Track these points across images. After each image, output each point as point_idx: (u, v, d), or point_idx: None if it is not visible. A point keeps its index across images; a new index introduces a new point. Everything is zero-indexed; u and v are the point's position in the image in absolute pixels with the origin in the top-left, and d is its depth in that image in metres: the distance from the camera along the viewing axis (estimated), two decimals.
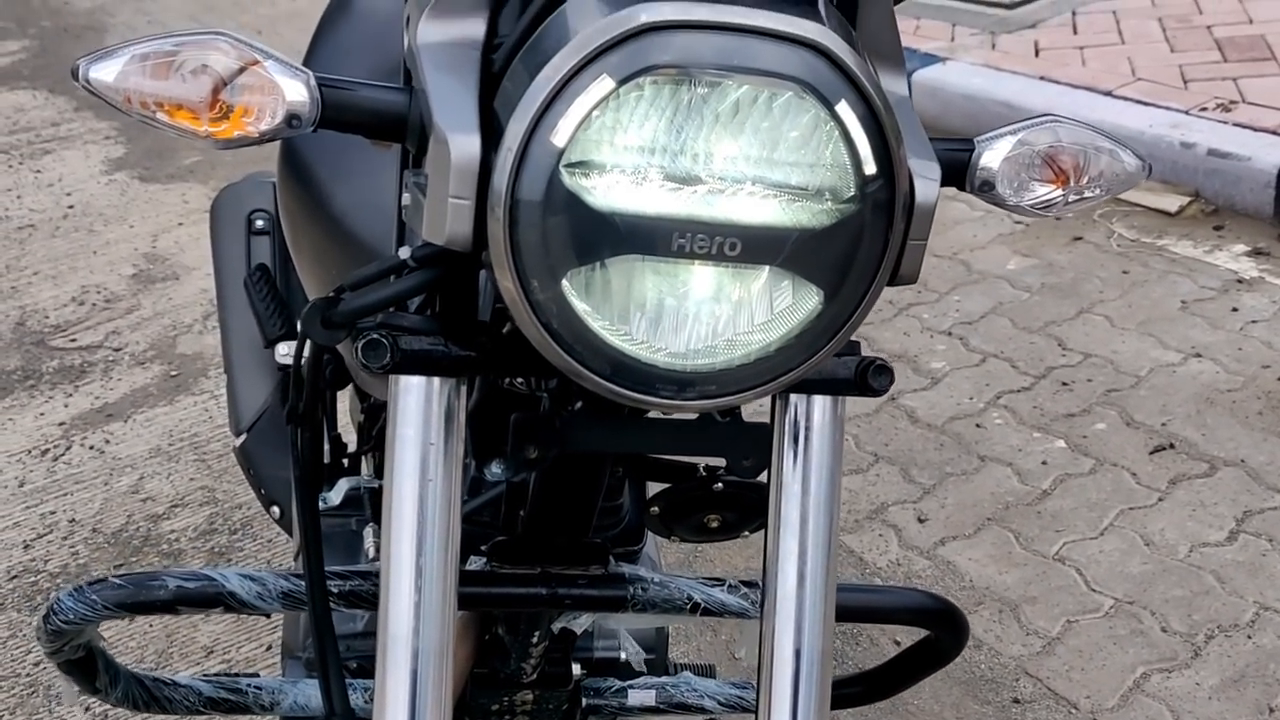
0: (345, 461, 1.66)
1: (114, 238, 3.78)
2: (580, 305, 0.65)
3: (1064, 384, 2.68)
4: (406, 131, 0.70)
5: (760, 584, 0.85)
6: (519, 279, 0.65)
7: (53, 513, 2.48)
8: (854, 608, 1.08)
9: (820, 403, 0.80)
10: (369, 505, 1.38)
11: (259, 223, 1.83)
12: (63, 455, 2.69)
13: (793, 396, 0.80)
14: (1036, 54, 4.23)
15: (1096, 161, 0.81)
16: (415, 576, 0.75)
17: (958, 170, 0.79)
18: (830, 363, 0.78)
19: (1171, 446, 2.45)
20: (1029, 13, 4.60)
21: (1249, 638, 1.99)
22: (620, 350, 0.67)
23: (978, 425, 2.57)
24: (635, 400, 0.68)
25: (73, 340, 3.20)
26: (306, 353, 0.86)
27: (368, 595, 0.96)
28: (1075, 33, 4.36)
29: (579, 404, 0.83)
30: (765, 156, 0.65)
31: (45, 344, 3.17)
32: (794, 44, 0.63)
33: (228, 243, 1.85)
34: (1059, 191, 0.81)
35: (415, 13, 0.70)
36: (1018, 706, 1.91)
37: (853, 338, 0.81)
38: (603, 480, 0.96)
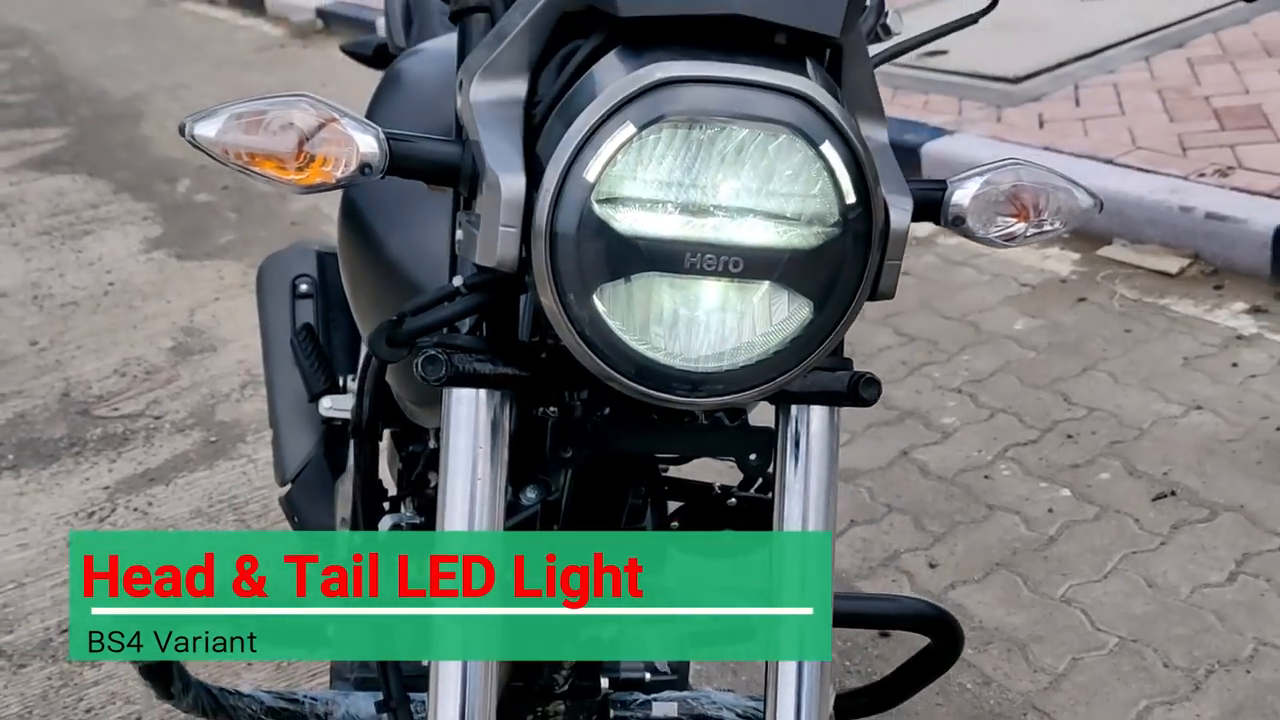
0: (386, 505, 1.78)
1: (153, 312, 3.94)
2: (609, 317, 0.78)
3: (1069, 436, 2.78)
4: (460, 178, 0.83)
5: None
6: (558, 295, 0.77)
7: None
8: (853, 614, 1.18)
9: (818, 413, 0.92)
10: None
11: (303, 287, 1.96)
12: (108, 517, 2.81)
13: (793, 407, 0.92)
14: (1041, 125, 4.38)
15: (1054, 198, 0.94)
16: None
17: (932, 206, 0.92)
18: (826, 377, 0.91)
19: (1173, 494, 2.54)
20: (1033, 86, 4.77)
21: (1248, 672, 2.07)
22: (643, 355, 0.79)
23: (986, 476, 2.66)
24: (656, 399, 0.80)
25: (115, 409, 3.33)
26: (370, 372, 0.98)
27: None
28: (1078, 105, 4.52)
29: (607, 410, 0.94)
30: (763, 189, 0.78)
31: (89, 413, 3.31)
32: (786, 95, 0.77)
33: (274, 305, 1.99)
34: (1021, 225, 0.94)
35: (467, 78, 0.84)
36: None
37: (846, 355, 0.94)
38: (626, 497, 1.08)
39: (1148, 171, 3.90)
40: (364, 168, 0.81)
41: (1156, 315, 3.33)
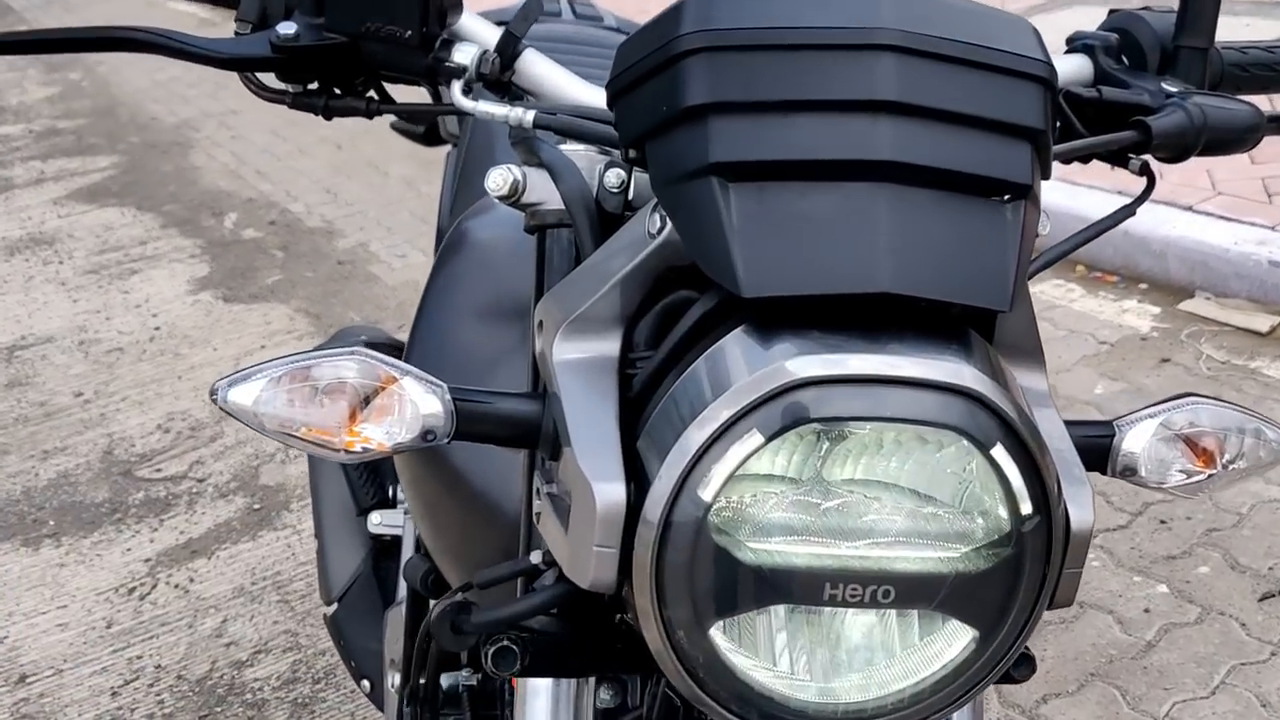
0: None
1: (199, 361, 3.85)
2: (728, 652, 0.63)
3: (1162, 522, 2.60)
4: (540, 440, 0.69)
5: None
6: (664, 631, 0.63)
7: (139, 657, 2.49)
8: None
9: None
10: (467, 703, 1.35)
11: None
12: (148, 595, 2.70)
13: None
14: (1113, 168, 4.18)
15: (1239, 443, 0.78)
16: None
17: (1099, 456, 0.77)
18: None
19: None
20: None
21: None
22: (771, 698, 0.64)
23: None
24: None
25: (158, 470, 3.24)
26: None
27: None
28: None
29: None
30: (919, 505, 0.63)
31: (132, 474, 3.22)
32: (948, 392, 0.62)
33: None
34: (1205, 473, 0.79)
35: (548, 320, 0.70)
36: None
37: None
38: None
39: (1231, 220, 3.70)
40: (426, 434, 0.67)
41: (1247, 379, 3.14)
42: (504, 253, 1.08)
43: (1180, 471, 0.78)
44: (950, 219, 0.62)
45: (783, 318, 0.63)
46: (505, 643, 0.70)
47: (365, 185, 5.34)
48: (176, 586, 2.73)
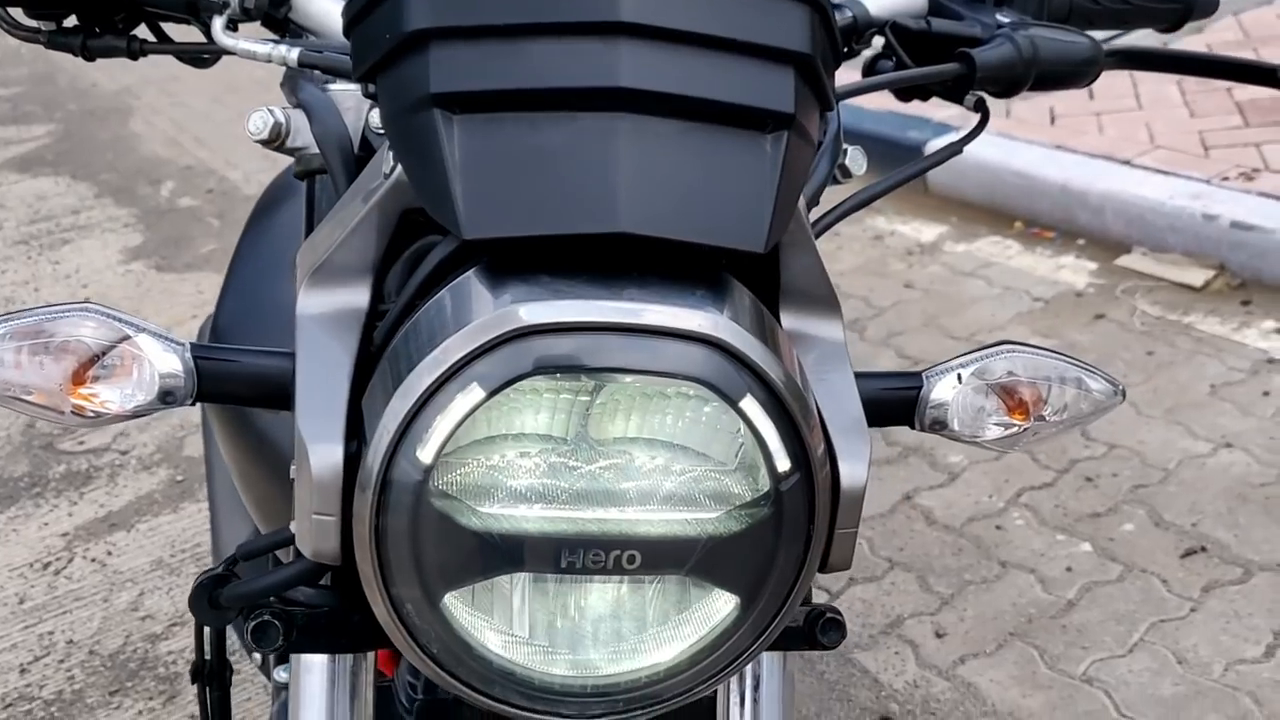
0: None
1: None
2: (466, 622, 0.59)
3: (1088, 479, 2.59)
4: (292, 401, 0.64)
5: None
6: (390, 603, 0.58)
7: (51, 633, 2.43)
8: None
9: (767, 660, 0.72)
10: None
11: None
12: (64, 569, 2.64)
13: None
14: (1052, 121, 4.16)
15: (1060, 393, 0.74)
16: None
17: (904, 409, 0.72)
18: None
19: (1203, 549, 2.34)
20: None
21: None
22: (513, 671, 0.60)
23: (998, 526, 2.47)
24: None
25: (80, 443, 3.17)
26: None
27: None
28: (1092, 98, 4.29)
29: None
30: (660, 462, 0.58)
31: (53, 447, 3.15)
32: (692, 341, 0.57)
33: None
34: (1020, 426, 0.74)
35: (301, 270, 0.65)
36: None
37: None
38: None
39: (1168, 174, 3.68)
40: (165, 396, 0.62)
41: (1181, 335, 3.12)
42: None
43: (996, 424, 0.74)
44: (699, 152, 0.57)
45: (521, 262, 0.58)
46: (266, 617, 0.65)
47: None
48: (93, 560, 2.67)
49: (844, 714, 2.02)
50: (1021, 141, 4.01)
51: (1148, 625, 2.18)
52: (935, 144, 4.08)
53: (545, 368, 0.55)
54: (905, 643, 2.19)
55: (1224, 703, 2.00)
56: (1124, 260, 3.52)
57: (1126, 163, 3.78)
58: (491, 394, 0.55)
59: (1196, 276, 3.37)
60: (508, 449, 0.57)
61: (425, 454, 0.56)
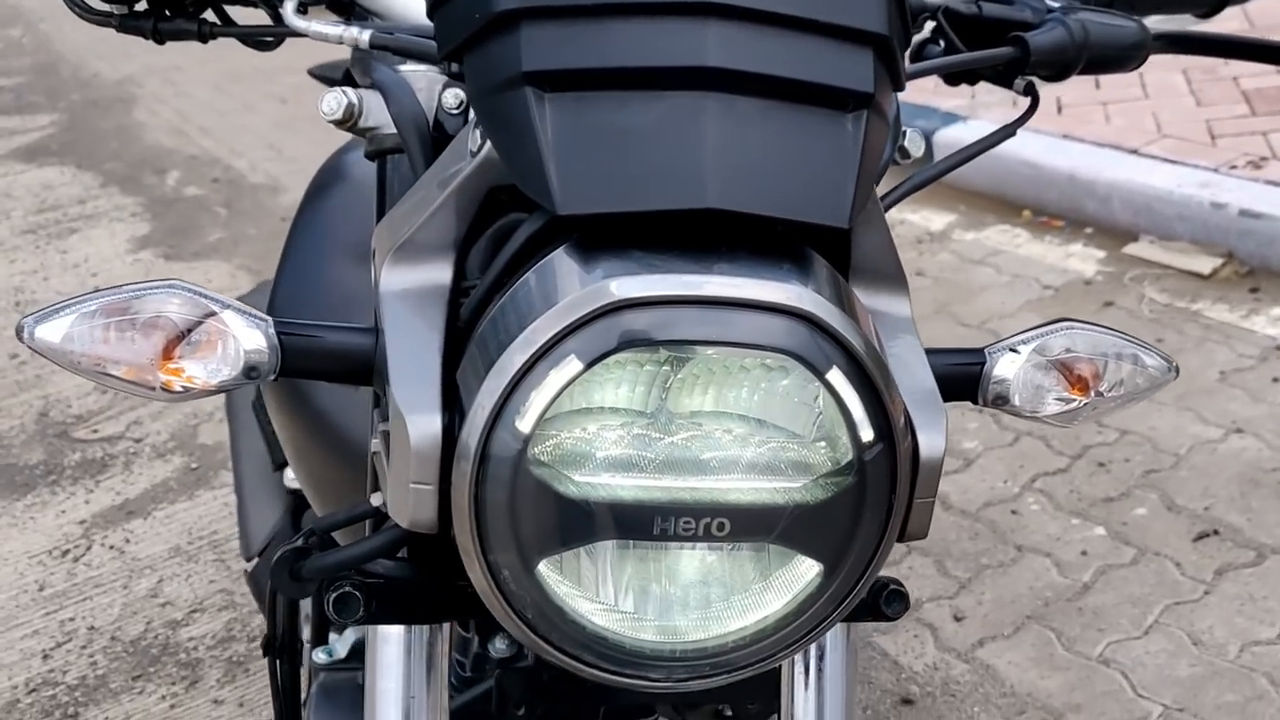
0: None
1: None
2: (560, 592, 0.60)
3: (1101, 464, 2.61)
4: (374, 376, 0.65)
5: None
6: (488, 570, 0.60)
7: (72, 619, 2.45)
8: None
9: (831, 632, 0.74)
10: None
11: None
12: (83, 556, 2.66)
13: None
14: (1059, 111, 4.17)
15: (1117, 369, 0.76)
16: None
17: (968, 385, 0.74)
18: None
19: (1216, 533, 2.36)
20: None
21: None
22: (605, 637, 0.61)
23: (1013, 511, 2.49)
24: (625, 684, 0.63)
25: (95, 431, 3.18)
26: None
27: None
28: (1098, 87, 4.30)
29: None
30: (752, 433, 0.60)
31: (68, 435, 3.16)
32: (781, 314, 0.58)
33: None
34: (1080, 401, 0.76)
35: (380, 249, 0.66)
36: None
37: None
38: None
39: (1175, 163, 3.70)
40: (250, 371, 0.63)
41: (1189, 322, 3.14)
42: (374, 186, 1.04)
43: (1056, 399, 0.76)
44: (784, 130, 0.59)
45: (610, 238, 0.59)
46: (347, 588, 0.67)
47: (309, 141, 5.25)
48: (111, 548, 2.68)
49: (866, 696, 2.04)
50: (1029, 131, 4.00)
51: (1162, 607, 2.20)
52: (944, 132, 4.09)
53: (640, 340, 0.57)
54: (924, 626, 2.21)
55: (1240, 683, 2.02)
56: (1132, 248, 3.54)
57: (1134, 152, 3.79)
58: (589, 365, 0.57)
59: (1204, 264, 3.39)
60: (590, 423, 0.59)
61: (524, 424, 0.57)
